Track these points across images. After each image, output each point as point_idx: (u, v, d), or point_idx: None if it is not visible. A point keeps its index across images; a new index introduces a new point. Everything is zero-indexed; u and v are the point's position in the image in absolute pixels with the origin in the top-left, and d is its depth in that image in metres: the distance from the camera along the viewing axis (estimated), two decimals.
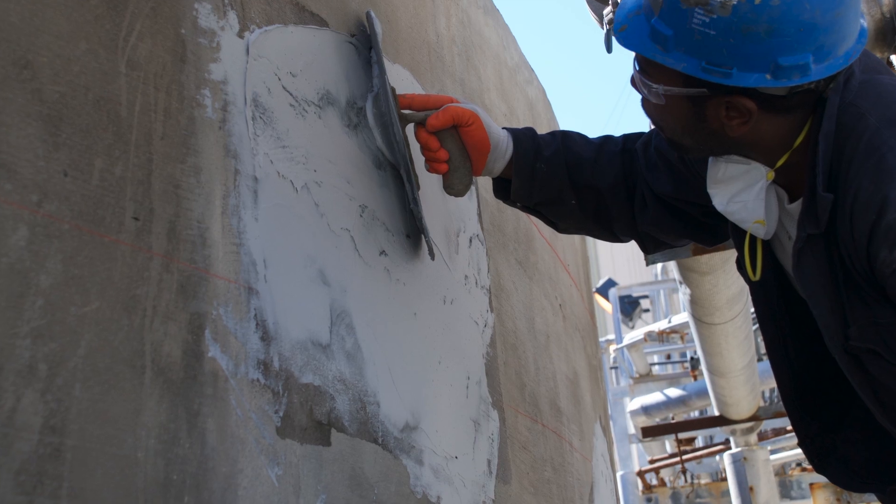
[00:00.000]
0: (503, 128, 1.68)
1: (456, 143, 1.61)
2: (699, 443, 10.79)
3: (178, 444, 0.98)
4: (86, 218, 0.94)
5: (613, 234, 1.77)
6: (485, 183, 2.04)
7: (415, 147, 1.63)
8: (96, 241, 0.95)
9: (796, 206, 1.44)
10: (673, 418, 8.88)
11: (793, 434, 7.94)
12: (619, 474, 9.34)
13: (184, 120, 1.10)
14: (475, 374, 1.73)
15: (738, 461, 6.91)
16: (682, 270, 4.11)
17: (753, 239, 1.53)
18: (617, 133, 1.77)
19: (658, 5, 1.33)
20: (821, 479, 8.66)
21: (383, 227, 1.51)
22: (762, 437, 8.40)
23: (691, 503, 8.84)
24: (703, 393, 7.66)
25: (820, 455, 1.64)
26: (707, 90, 1.34)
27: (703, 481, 10.40)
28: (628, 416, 9.15)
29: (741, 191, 1.46)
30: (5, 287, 0.85)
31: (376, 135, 1.54)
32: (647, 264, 3.85)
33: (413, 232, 1.60)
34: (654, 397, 8.53)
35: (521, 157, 1.66)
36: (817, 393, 1.60)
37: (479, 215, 1.97)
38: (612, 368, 11.35)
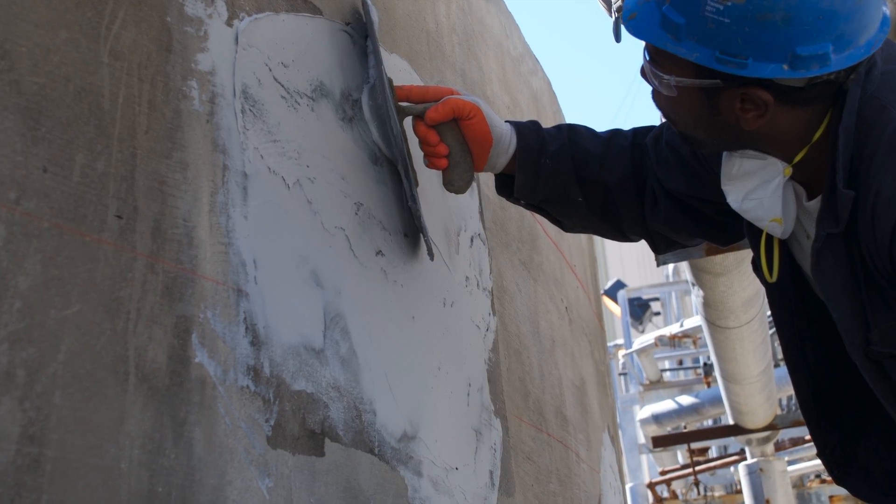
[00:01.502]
0: (506, 121, 1.68)
1: (456, 137, 1.61)
2: (713, 453, 10.80)
3: (164, 455, 0.98)
4: (66, 216, 0.94)
5: (622, 233, 1.77)
6: (487, 179, 2.04)
7: (413, 141, 1.63)
8: (77, 240, 0.95)
9: (815, 204, 1.44)
10: (685, 427, 8.88)
11: (811, 444, 7.94)
12: (628, 486, 9.35)
13: (169, 113, 1.10)
14: (476, 380, 1.73)
15: (753, 473, 6.92)
16: (695, 271, 4.11)
17: (770, 238, 1.53)
18: (626, 126, 1.77)
19: None
20: (841, 491, 8.67)
21: (380, 225, 1.51)
22: (779, 447, 8.41)
23: None
24: (716, 401, 7.67)
25: (840, 466, 1.64)
26: (721, 81, 1.34)
27: (717, 494, 10.41)
28: (638, 425, 9.16)
29: (757, 187, 1.46)
30: None
31: (372, 128, 1.54)
32: (658, 265, 3.86)
33: (411, 231, 1.60)
34: (666, 405, 8.54)
35: (525, 151, 1.66)
36: (837, 400, 1.60)
37: (481, 213, 1.97)
38: (620, 375, 11.36)
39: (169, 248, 1.05)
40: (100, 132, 1.00)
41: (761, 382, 5.55)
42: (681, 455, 10.84)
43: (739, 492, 8.52)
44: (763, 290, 1.68)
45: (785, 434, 8.52)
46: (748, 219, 1.50)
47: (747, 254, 3.80)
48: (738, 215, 1.52)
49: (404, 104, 1.59)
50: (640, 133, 1.73)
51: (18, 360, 0.86)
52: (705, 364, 8.68)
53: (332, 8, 1.52)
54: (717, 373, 5.62)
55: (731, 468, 9.31)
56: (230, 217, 1.16)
